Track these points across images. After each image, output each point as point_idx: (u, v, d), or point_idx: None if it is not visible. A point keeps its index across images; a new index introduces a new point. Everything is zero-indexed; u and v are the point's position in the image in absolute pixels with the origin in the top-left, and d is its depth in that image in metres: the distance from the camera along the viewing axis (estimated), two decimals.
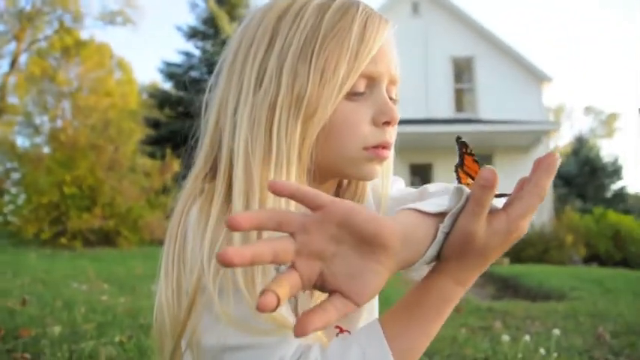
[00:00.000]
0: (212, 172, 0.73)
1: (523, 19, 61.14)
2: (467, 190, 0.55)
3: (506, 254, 10.55)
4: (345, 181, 0.84)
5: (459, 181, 0.63)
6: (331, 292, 0.49)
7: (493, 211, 0.56)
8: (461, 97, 14.18)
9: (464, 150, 0.66)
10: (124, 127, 13.66)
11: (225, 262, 0.41)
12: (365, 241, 0.49)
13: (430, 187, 0.81)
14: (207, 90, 0.78)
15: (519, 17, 61.13)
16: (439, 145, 12.87)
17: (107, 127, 13.09)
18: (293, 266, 0.47)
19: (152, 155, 13.67)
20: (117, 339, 2.43)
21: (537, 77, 13.92)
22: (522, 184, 0.59)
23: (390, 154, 0.78)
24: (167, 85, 17.86)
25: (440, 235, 0.55)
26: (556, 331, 2.72)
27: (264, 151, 0.67)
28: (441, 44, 13.65)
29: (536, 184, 0.56)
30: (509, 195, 0.58)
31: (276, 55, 0.69)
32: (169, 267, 0.67)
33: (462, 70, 14.16)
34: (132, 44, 58.86)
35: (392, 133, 0.73)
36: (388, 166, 0.81)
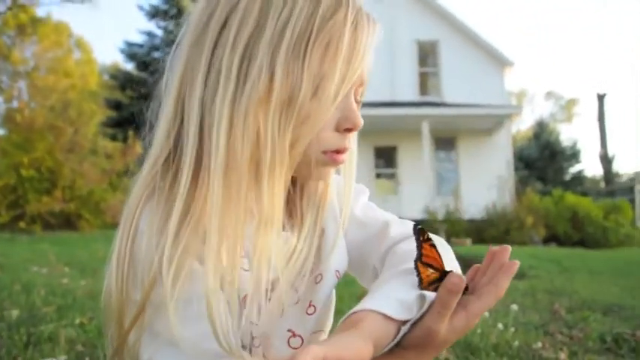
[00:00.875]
0: (169, 161, 0.69)
1: (488, 4, 61.86)
2: (430, 297, 0.60)
3: (468, 235, 10.81)
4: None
5: (419, 276, 0.64)
6: None
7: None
8: (425, 81, 14.30)
9: (421, 238, 0.66)
10: (85, 108, 13.32)
11: None
12: None
13: (392, 230, 0.81)
14: (167, 67, 0.72)
15: (484, 2, 61.81)
16: (403, 128, 13.00)
17: (66, 108, 12.73)
18: None
19: (114, 137, 13.37)
20: (77, 321, 2.38)
21: (500, 62, 14.13)
22: (475, 272, 0.67)
23: (353, 156, 0.78)
24: (129, 66, 17.43)
25: (399, 336, 0.60)
26: (514, 307, 2.81)
27: (251, 153, 0.62)
28: (407, 28, 13.68)
29: (496, 285, 0.62)
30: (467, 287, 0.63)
31: (267, 44, 0.62)
32: (121, 258, 0.63)
33: (427, 54, 14.25)
34: (91, 23, 56.99)
35: (351, 139, 0.73)
36: (351, 167, 0.80)
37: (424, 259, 0.65)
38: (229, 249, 0.62)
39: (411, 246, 0.69)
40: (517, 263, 0.64)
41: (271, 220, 0.64)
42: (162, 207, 0.64)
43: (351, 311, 0.60)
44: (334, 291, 0.84)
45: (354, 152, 0.79)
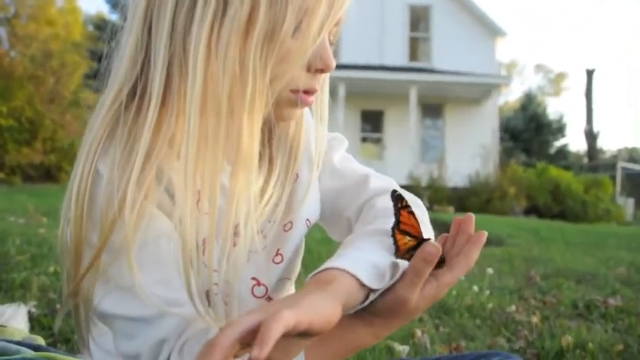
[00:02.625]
0: (134, 92, 0.63)
1: None
2: (403, 266, 0.59)
3: (451, 203, 10.90)
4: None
5: (396, 244, 0.63)
6: None
7: None
8: (416, 46, 14.13)
9: (399, 205, 0.65)
10: (67, 59, 12.93)
11: None
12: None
13: (371, 182, 0.79)
14: None
15: None
16: (391, 93, 12.92)
17: (48, 58, 12.35)
18: None
19: (98, 90, 13.07)
20: (51, 269, 2.36)
21: (492, 31, 14.00)
22: (444, 242, 0.66)
23: (325, 100, 0.75)
24: (114, 17, 16.99)
25: (367, 302, 0.59)
26: (489, 270, 2.84)
27: (232, 85, 0.58)
28: None
29: (467, 255, 0.62)
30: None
31: None
32: (80, 199, 0.59)
33: (419, 19, 14.05)
34: None
35: (321, 80, 0.69)
36: (324, 112, 0.76)
37: (402, 226, 0.64)
38: (206, 194, 0.59)
39: (390, 203, 0.67)
40: (485, 233, 0.64)
41: (250, 161, 0.61)
42: (123, 145, 0.60)
43: (324, 267, 0.58)
44: (304, 239, 0.81)
45: (326, 98, 0.75)
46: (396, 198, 0.65)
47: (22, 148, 9.41)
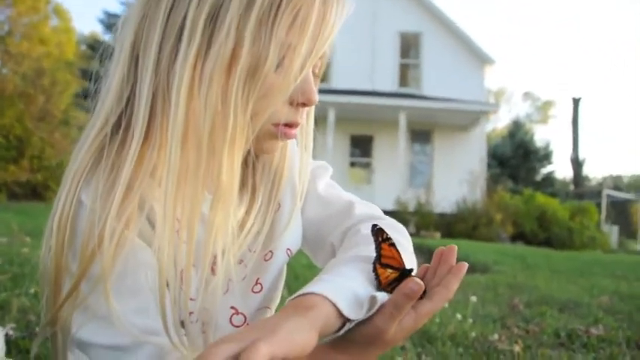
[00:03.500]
0: (119, 124, 0.64)
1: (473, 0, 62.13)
2: (381, 299, 0.58)
3: (438, 228, 10.92)
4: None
5: (378, 278, 0.63)
6: None
7: None
8: (406, 73, 14.32)
9: (380, 239, 0.65)
10: (59, 77, 12.92)
11: None
12: None
13: (356, 209, 0.80)
14: (122, 20, 0.67)
15: None
16: (381, 118, 13.04)
17: (40, 76, 12.34)
18: None
19: (89, 110, 13.05)
20: (32, 290, 2.34)
21: (481, 59, 14.23)
22: (425, 272, 0.66)
23: (310, 131, 0.76)
24: (108, 37, 17.04)
25: (342, 332, 0.58)
26: (473, 298, 2.84)
27: (213, 121, 0.59)
28: (390, 18, 13.67)
29: (446, 287, 0.62)
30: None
31: (237, 6, 0.58)
32: (62, 226, 0.60)
33: (409, 46, 14.27)
34: None
35: (304, 114, 0.71)
36: (309, 143, 0.77)
37: (383, 260, 0.64)
38: (185, 225, 0.60)
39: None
40: (465, 265, 0.64)
41: (229, 195, 0.62)
42: (107, 176, 0.61)
43: (304, 291, 0.58)
44: (285, 268, 0.82)
45: (311, 128, 0.77)
46: (377, 232, 0.66)
47: (9, 166, 9.34)
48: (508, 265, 5.89)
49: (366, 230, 0.74)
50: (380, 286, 0.62)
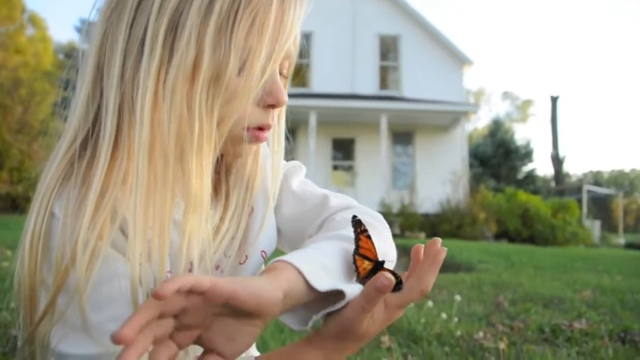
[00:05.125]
0: (87, 140, 0.64)
1: (450, 2, 62.75)
2: (351, 292, 0.59)
3: (422, 229, 10.98)
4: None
5: (357, 269, 0.64)
6: (207, 349, 0.53)
7: None
8: (386, 75, 14.40)
9: (358, 230, 0.66)
10: (37, 87, 12.77)
11: (116, 342, 0.45)
12: (246, 313, 0.52)
13: (332, 201, 0.80)
14: (85, 35, 0.68)
15: (447, 0, 62.65)
16: (362, 121, 13.08)
17: (17, 87, 12.19)
18: (170, 337, 0.50)
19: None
20: (13, 304, 2.30)
21: (460, 60, 14.36)
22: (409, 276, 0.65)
23: (281, 132, 0.76)
24: (86, 46, 16.83)
25: (314, 319, 0.60)
26: (457, 297, 2.86)
27: (179, 129, 0.59)
28: (369, 21, 13.74)
29: (420, 279, 0.62)
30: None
31: (196, 15, 0.59)
32: (34, 242, 0.60)
33: (388, 49, 14.36)
34: None
35: (275, 115, 0.71)
36: (280, 145, 0.78)
37: (361, 251, 0.65)
38: (157, 233, 0.60)
39: (350, 215, 0.68)
40: (441, 253, 0.63)
41: (200, 202, 0.62)
42: (78, 189, 0.61)
43: (273, 260, 0.60)
44: (261, 270, 0.82)
45: (282, 129, 0.77)
46: (356, 223, 0.67)
47: None
48: (492, 264, 5.95)
49: (341, 217, 0.76)
50: (358, 277, 0.64)
